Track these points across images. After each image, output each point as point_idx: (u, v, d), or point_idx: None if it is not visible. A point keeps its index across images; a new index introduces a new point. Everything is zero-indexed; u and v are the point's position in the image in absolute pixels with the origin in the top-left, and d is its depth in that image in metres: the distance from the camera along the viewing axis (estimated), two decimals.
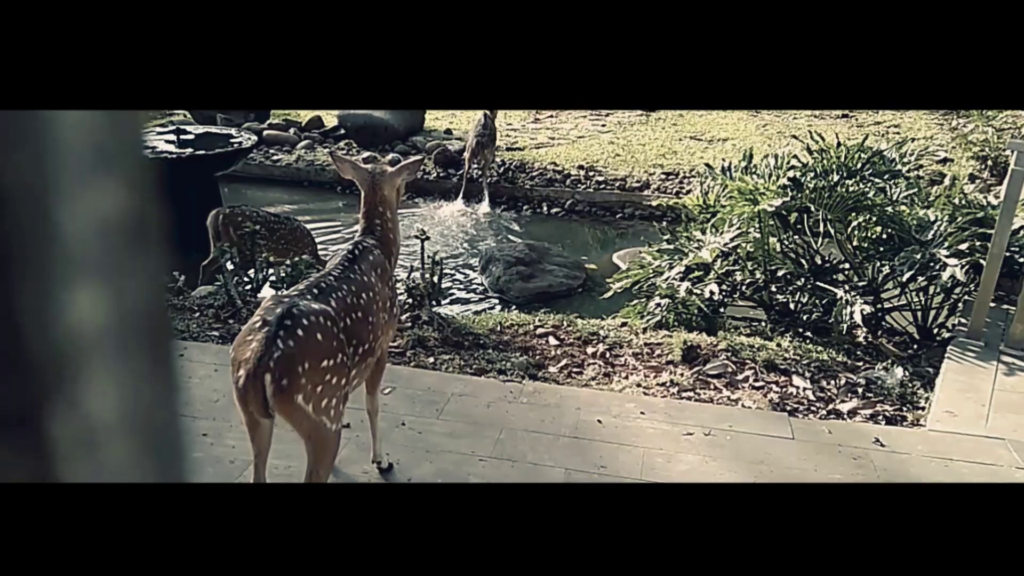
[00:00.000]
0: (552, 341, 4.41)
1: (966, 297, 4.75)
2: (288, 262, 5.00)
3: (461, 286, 6.61)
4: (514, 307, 6.07)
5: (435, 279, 4.75)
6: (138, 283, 0.25)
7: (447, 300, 5.96)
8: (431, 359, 4.10)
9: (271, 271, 5.03)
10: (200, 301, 4.75)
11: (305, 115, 10.78)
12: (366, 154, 8.13)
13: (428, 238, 4.98)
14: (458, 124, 10.70)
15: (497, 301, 6.35)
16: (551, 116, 11.51)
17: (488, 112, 8.73)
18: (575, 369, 4.10)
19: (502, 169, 8.92)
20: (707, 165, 5.68)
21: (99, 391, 0.25)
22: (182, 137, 7.13)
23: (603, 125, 10.81)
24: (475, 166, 8.64)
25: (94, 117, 0.23)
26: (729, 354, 4.19)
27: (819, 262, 4.96)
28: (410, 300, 4.68)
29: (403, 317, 4.60)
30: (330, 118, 10.60)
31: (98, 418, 0.27)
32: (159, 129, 8.01)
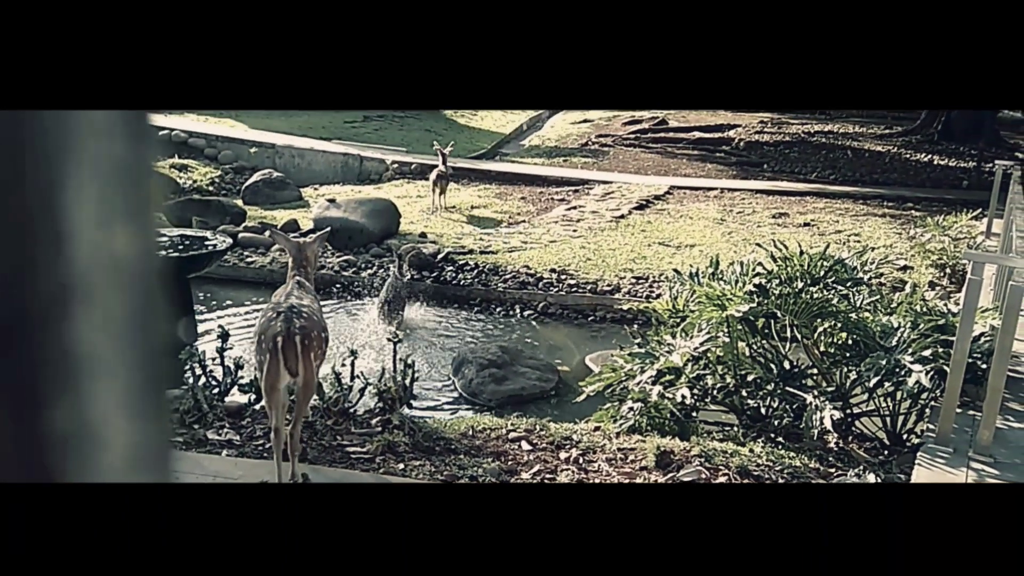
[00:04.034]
0: (525, 446, 4.35)
1: (932, 403, 4.81)
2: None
3: (431, 388, 6.56)
4: (485, 409, 6.01)
5: (407, 382, 4.71)
6: None
7: (422, 404, 5.89)
8: (401, 465, 4.03)
9: (240, 373, 4.95)
10: None
11: (280, 218, 10.91)
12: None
13: (400, 340, 4.97)
14: (432, 227, 10.88)
15: (469, 404, 6.29)
16: (524, 221, 11.76)
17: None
18: (548, 475, 4.04)
19: (475, 272, 9.02)
20: (675, 270, 5.82)
21: None
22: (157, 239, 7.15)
23: (574, 230, 11.05)
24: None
25: None
26: (702, 460, 4.17)
27: (788, 367, 5.02)
28: (380, 404, 4.62)
29: (373, 421, 4.54)
30: (306, 221, 10.72)
31: None
32: None
